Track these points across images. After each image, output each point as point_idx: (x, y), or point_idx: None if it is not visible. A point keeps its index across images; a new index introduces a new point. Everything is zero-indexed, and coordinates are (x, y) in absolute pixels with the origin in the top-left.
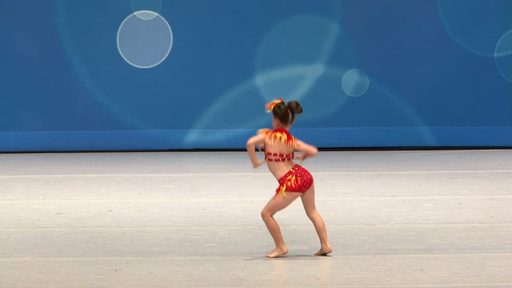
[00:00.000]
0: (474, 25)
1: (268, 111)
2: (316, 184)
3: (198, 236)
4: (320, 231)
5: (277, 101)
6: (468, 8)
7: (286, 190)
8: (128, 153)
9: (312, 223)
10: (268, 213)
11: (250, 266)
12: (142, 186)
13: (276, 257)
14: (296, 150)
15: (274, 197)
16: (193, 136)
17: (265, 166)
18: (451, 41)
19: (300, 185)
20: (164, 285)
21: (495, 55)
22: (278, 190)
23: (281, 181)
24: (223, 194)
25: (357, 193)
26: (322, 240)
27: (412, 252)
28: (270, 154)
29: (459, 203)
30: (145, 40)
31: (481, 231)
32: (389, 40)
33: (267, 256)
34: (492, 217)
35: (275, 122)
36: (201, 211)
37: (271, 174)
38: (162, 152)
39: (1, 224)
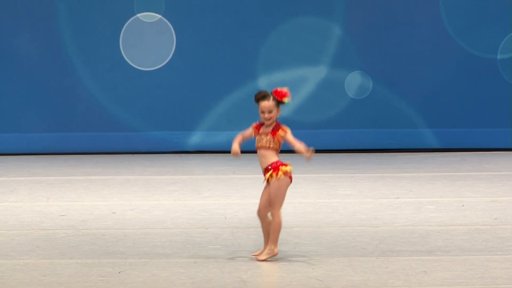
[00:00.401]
0: (476, 27)
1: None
2: (320, 186)
3: (201, 238)
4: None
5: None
6: (471, 9)
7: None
8: (131, 155)
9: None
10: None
11: (254, 268)
12: (145, 188)
13: (266, 259)
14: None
15: (273, 191)
16: (196, 138)
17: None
18: (454, 42)
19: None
20: (167, 287)
21: (498, 57)
22: (270, 177)
23: (278, 163)
24: (226, 196)
25: (360, 195)
26: (273, 241)
27: (416, 254)
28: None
29: (462, 205)
30: (148, 42)
31: (484, 233)
32: (391, 42)
33: (258, 259)
34: (495, 219)
35: (278, 112)
36: (204, 213)
37: None
38: (165, 154)
39: (4, 226)
